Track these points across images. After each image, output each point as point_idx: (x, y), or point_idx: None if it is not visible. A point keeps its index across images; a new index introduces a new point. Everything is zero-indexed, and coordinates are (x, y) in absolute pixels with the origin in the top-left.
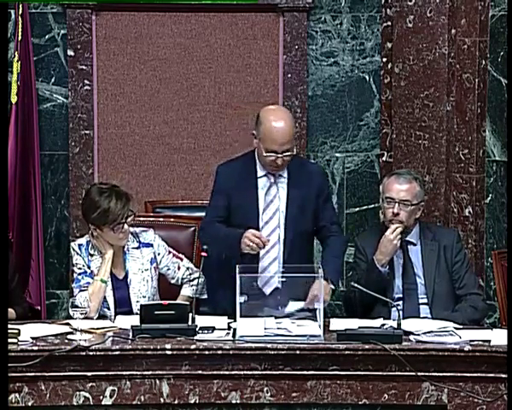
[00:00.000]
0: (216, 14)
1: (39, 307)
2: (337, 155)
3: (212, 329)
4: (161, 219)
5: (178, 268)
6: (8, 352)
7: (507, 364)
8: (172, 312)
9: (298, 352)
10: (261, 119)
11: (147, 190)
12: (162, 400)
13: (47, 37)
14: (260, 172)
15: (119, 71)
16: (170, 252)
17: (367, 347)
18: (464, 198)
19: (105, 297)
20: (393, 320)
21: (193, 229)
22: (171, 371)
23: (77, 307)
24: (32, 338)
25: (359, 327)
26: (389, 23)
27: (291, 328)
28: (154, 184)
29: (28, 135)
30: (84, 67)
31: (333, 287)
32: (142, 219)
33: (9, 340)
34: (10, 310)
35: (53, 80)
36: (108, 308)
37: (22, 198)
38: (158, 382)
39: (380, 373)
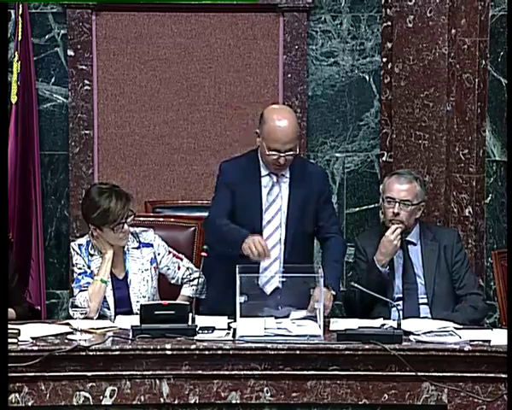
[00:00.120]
0: (216, 14)
1: (39, 307)
2: (337, 155)
3: (212, 329)
4: (161, 219)
5: (178, 268)
6: (8, 352)
7: (507, 364)
8: (172, 312)
9: (298, 352)
10: (265, 117)
11: (147, 190)
12: (162, 400)
13: (47, 37)
14: (263, 171)
15: (119, 71)
16: (170, 252)
17: (367, 347)
18: (464, 198)
19: (105, 297)
20: (393, 320)
21: (193, 229)
22: (171, 371)
23: (77, 307)
24: (32, 338)
25: (359, 327)
26: (389, 23)
27: (291, 328)
28: (154, 184)
29: (28, 135)
30: (84, 67)
31: (334, 293)
32: (142, 219)
33: (9, 340)
34: (10, 310)
35: (53, 80)
36: (108, 308)
37: (22, 198)
38: (158, 382)
39: (380, 373)
